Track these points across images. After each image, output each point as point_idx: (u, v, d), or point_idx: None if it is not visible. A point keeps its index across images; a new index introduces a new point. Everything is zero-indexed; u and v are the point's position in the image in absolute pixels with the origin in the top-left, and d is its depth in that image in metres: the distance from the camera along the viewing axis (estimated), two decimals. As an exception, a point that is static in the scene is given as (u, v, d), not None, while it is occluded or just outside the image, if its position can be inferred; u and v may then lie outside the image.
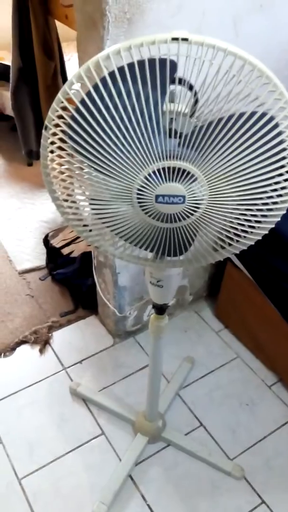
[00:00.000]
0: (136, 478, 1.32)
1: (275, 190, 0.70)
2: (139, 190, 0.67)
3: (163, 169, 0.65)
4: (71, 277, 1.85)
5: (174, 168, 0.65)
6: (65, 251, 1.95)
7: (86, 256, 1.83)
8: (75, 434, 1.41)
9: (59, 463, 1.35)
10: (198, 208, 0.69)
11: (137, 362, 1.62)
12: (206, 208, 0.69)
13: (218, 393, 1.53)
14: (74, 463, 1.35)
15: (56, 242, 1.99)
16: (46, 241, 2.03)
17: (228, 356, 1.65)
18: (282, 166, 0.67)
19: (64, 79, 2.04)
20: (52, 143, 0.67)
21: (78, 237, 1.99)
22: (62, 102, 0.64)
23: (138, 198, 0.68)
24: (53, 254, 1.97)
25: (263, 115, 0.61)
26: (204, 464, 1.35)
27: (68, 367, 1.60)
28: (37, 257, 2.03)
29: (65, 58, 2.10)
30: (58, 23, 1.89)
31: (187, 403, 1.50)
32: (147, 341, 1.68)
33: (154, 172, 0.65)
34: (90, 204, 0.73)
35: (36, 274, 1.96)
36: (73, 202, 0.74)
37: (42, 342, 1.67)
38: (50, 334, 1.70)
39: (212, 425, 1.45)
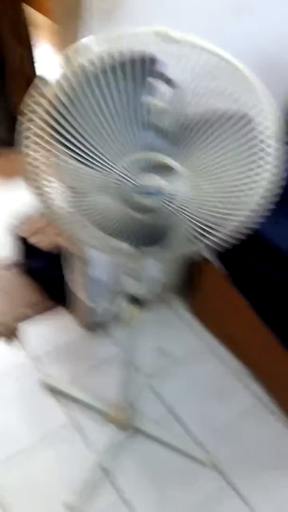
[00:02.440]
0: (108, 468, 1.33)
1: (246, 184, 0.71)
2: (117, 180, 0.67)
3: (142, 160, 0.65)
4: (41, 269, 1.82)
5: (152, 160, 0.65)
6: (32, 241, 1.91)
7: (56, 248, 1.81)
8: (44, 426, 1.40)
9: (29, 456, 1.33)
10: (175, 199, 0.69)
11: (108, 354, 1.62)
12: (182, 199, 0.70)
13: (190, 384, 1.56)
14: (44, 456, 1.34)
15: (23, 233, 1.95)
16: (14, 231, 1.99)
17: (200, 349, 1.68)
18: (253, 161, 0.68)
19: (32, 64, 1.99)
20: (29, 130, 0.66)
21: (45, 227, 1.96)
22: (40, 88, 0.62)
23: (116, 188, 0.68)
24: (21, 245, 1.93)
25: (244, 115, 0.62)
26: (175, 453, 1.37)
27: (37, 359, 1.58)
28: (5, 248, 1.99)
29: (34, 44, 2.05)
30: (30, 10, 1.84)
31: (159, 394, 1.52)
32: (118, 333, 1.68)
33: (133, 163, 0.65)
34: (68, 194, 0.72)
35: (3, 265, 1.92)
36: (51, 192, 0.73)
37: (10, 334, 1.64)
38: (18, 326, 1.68)
39: (183, 415, 1.47)
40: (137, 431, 1.41)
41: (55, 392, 1.49)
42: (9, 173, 2.25)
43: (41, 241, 1.89)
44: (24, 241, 1.92)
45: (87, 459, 1.32)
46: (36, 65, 2.01)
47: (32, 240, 1.91)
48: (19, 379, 1.52)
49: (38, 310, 1.75)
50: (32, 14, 1.87)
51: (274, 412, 1.50)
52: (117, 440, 1.38)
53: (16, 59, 1.85)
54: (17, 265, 1.91)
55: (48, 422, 1.41)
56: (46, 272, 1.80)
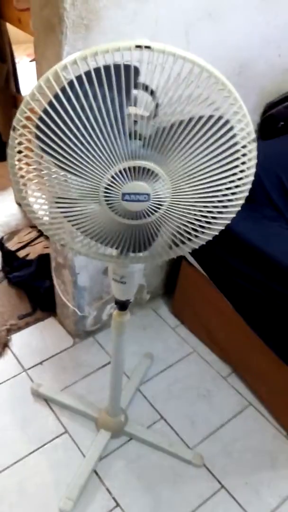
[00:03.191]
0: (100, 472, 1.35)
1: (230, 188, 0.76)
2: (106, 188, 0.71)
3: (129, 168, 0.69)
4: (28, 280, 1.84)
5: (139, 168, 0.69)
6: (20, 254, 1.94)
7: (43, 259, 1.83)
8: (38, 434, 1.42)
9: (23, 463, 1.35)
10: (161, 205, 0.74)
11: (97, 361, 1.64)
12: (168, 205, 0.74)
13: (177, 386, 1.59)
14: (38, 463, 1.35)
15: (11, 245, 1.98)
16: (0, 244, 2.01)
17: (185, 350, 1.71)
18: (236, 166, 0.73)
19: (16, 82, 2.04)
20: (20, 143, 0.70)
21: (33, 240, 1.99)
22: (30, 104, 0.66)
23: (105, 197, 0.72)
24: (8, 257, 1.95)
25: (219, 118, 0.66)
26: (165, 455, 1.40)
27: (29, 368, 1.60)
28: (-8, 260, 2.00)
29: (16, 61, 2.10)
30: (9, 26, 1.89)
31: (148, 398, 1.55)
32: (107, 340, 1.71)
33: (120, 171, 0.69)
34: (57, 203, 0.76)
35: (-9, 278, 1.93)
36: (40, 201, 0.77)
37: (1, 345, 1.66)
38: (9, 337, 1.69)
39: (172, 417, 1.50)
40: (129, 435, 1.43)
41: (47, 400, 1.51)
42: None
43: (30, 254, 1.92)
44: (11, 253, 1.94)
45: (80, 464, 1.33)
46: (19, 81, 2.05)
47: (21, 253, 1.93)
48: (11, 389, 1.53)
49: (28, 321, 1.77)
50: (12, 32, 1.91)
51: (261, 411, 1.54)
52: (109, 445, 1.40)
53: (1, 78, 1.89)
54: (5, 277, 1.93)
55: (41, 430, 1.43)
56: (34, 283, 1.83)
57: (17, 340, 1.69)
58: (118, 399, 1.37)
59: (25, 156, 0.72)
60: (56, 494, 1.28)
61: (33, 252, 1.92)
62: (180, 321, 1.82)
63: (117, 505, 1.28)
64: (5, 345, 1.67)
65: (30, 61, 2.68)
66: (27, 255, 1.92)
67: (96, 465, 1.35)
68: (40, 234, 2.00)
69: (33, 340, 1.70)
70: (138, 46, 0.61)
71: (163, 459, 1.39)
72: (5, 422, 1.44)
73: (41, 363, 1.62)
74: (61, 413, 1.48)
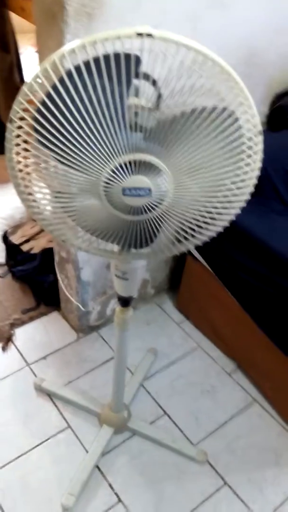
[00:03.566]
0: (103, 468, 1.34)
1: (235, 182, 0.73)
2: (105, 183, 0.69)
3: (129, 162, 0.67)
4: (32, 274, 1.83)
5: (140, 161, 0.67)
6: (24, 247, 1.92)
7: (47, 253, 1.82)
8: (40, 429, 1.41)
9: (26, 458, 1.34)
10: (163, 200, 0.71)
11: (101, 356, 1.63)
12: (170, 200, 0.72)
13: (181, 382, 1.57)
14: (41, 458, 1.35)
15: (15, 239, 1.96)
16: (4, 238, 2.00)
17: (189, 346, 1.70)
18: (241, 160, 0.70)
19: (20, 72, 2.01)
20: (18, 136, 0.68)
21: (37, 234, 1.98)
22: (27, 95, 0.64)
23: (105, 191, 0.70)
24: (12, 251, 1.94)
25: (224, 109, 0.64)
26: (169, 451, 1.39)
27: (32, 363, 1.59)
28: (-4, 254, 1.99)
29: (20, 50, 2.06)
30: (13, 15, 1.86)
31: (151, 393, 1.54)
32: (111, 335, 1.70)
33: (120, 165, 0.67)
34: (57, 197, 0.74)
35: (-5, 271, 1.92)
36: (39, 195, 0.75)
37: (5, 339, 1.65)
38: (12, 331, 1.68)
39: (175, 413, 1.49)
40: (132, 431, 1.42)
41: (50, 395, 1.50)
42: (1, 179, 2.26)
43: (33, 248, 1.90)
44: (15, 247, 1.93)
45: (83, 460, 1.33)
46: (24, 71, 2.02)
47: (25, 247, 1.92)
48: (15, 384, 1.52)
49: (32, 315, 1.76)
50: (16, 21, 1.88)
51: (265, 407, 1.52)
52: (112, 441, 1.40)
53: (4, 68, 1.86)
54: (9, 271, 1.92)
55: (44, 425, 1.42)
56: (38, 278, 1.81)
57: (21, 334, 1.68)
58: (121, 394, 1.35)
59: (24, 149, 0.69)
60: (59, 489, 1.28)
61: (37, 246, 1.90)
62: (184, 316, 1.80)
63: (119, 500, 1.28)
64: (9, 339, 1.66)
65: (36, 51, 2.66)
66: (31, 249, 1.90)
67: (99, 461, 1.34)
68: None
69: (36, 335, 1.69)
70: (139, 34, 0.59)
71: (166, 455, 1.38)
72: (8, 417, 1.44)
73: (44, 357, 1.62)
74: (64, 408, 1.47)
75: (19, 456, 1.35)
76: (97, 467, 1.34)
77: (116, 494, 1.29)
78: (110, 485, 1.31)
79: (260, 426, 1.47)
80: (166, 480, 1.33)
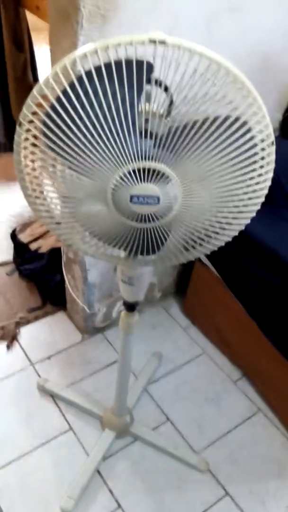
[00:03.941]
0: (103, 472, 1.33)
1: (246, 193, 0.72)
2: (113, 189, 0.68)
3: (138, 169, 0.65)
4: (39, 273, 1.83)
5: (149, 169, 0.65)
6: (32, 246, 1.92)
7: (55, 252, 1.82)
8: (42, 430, 1.40)
9: (26, 459, 1.34)
10: (172, 208, 0.70)
11: (106, 358, 1.62)
12: (179, 209, 0.71)
13: (185, 388, 1.56)
14: (41, 459, 1.34)
15: (23, 237, 1.96)
16: (13, 235, 2.00)
17: (194, 352, 1.68)
18: (254, 170, 0.69)
19: (34, 71, 2.00)
20: (26, 139, 0.67)
21: (46, 233, 1.97)
22: (37, 98, 0.63)
23: (113, 198, 0.68)
24: (20, 249, 1.94)
25: (237, 119, 0.62)
26: (170, 458, 1.37)
27: (36, 363, 1.59)
28: (4, 252, 2.00)
29: (35, 48, 2.06)
30: (28, 14, 1.85)
31: (155, 399, 1.52)
32: (116, 337, 1.69)
33: (129, 172, 0.66)
34: (64, 202, 0.73)
35: (3, 269, 1.93)
36: (46, 199, 0.74)
37: (10, 338, 1.65)
38: (17, 330, 1.68)
39: (178, 419, 1.47)
40: (134, 436, 1.41)
41: (53, 396, 1.49)
42: (10, 178, 2.26)
43: (42, 247, 1.90)
44: (23, 246, 1.93)
45: (83, 463, 1.32)
46: (38, 71, 2.02)
47: (33, 246, 1.92)
48: (18, 383, 1.52)
49: (38, 314, 1.76)
50: (32, 19, 1.87)
51: (270, 417, 1.50)
52: (113, 445, 1.38)
53: (18, 67, 1.86)
54: (16, 269, 1.92)
55: (46, 427, 1.41)
56: (45, 277, 1.81)
57: (26, 333, 1.68)
58: (124, 398, 1.34)
59: (32, 152, 0.68)
60: (58, 492, 1.27)
61: (45, 245, 1.90)
62: (191, 321, 1.78)
63: (119, 506, 1.26)
64: (14, 338, 1.66)
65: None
66: (39, 247, 1.90)
67: (100, 465, 1.33)
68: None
69: (41, 334, 1.69)
70: (152, 41, 0.57)
71: (168, 462, 1.37)
72: (10, 416, 1.43)
73: (48, 357, 1.61)
74: (66, 410, 1.46)
75: (19, 457, 1.34)
76: (98, 471, 1.33)
77: (115, 500, 1.28)
78: (110, 490, 1.30)
79: (263, 436, 1.45)
80: (167, 487, 1.31)
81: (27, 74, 1.93)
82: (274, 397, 1.51)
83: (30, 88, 2.04)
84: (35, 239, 1.94)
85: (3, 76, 1.92)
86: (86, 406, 1.45)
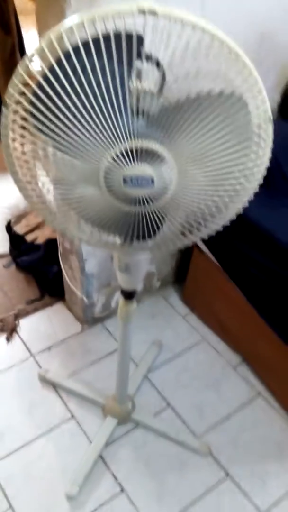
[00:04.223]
0: (107, 458, 1.33)
1: (242, 172, 0.69)
2: (106, 171, 0.65)
3: (131, 149, 0.63)
4: (37, 264, 1.81)
5: (142, 149, 0.63)
6: (28, 237, 1.90)
7: (51, 243, 1.79)
8: (45, 419, 1.40)
9: (30, 448, 1.34)
10: (166, 190, 0.68)
11: (106, 348, 1.61)
12: (174, 190, 0.68)
13: (185, 375, 1.55)
14: (45, 447, 1.34)
15: (19, 229, 1.94)
16: (8, 227, 1.97)
17: (194, 339, 1.67)
18: (249, 148, 0.67)
19: (23, 54, 1.96)
20: (14, 121, 0.64)
21: (41, 223, 1.95)
22: (23, 76, 0.61)
23: (105, 180, 0.66)
24: (16, 241, 1.92)
25: (232, 94, 0.60)
26: (172, 443, 1.37)
27: (36, 354, 1.58)
28: (1, 245, 1.97)
29: (23, 32, 2.01)
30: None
31: (156, 386, 1.52)
32: (115, 327, 1.68)
33: (121, 153, 0.64)
34: (55, 186, 0.71)
35: (0, 263, 1.91)
36: (37, 184, 0.72)
37: (9, 330, 1.64)
38: (16, 322, 1.67)
39: (179, 405, 1.47)
40: (135, 422, 1.41)
41: (55, 386, 1.49)
42: (4, 168, 2.23)
43: (38, 238, 1.88)
44: (19, 237, 1.91)
45: (87, 450, 1.32)
46: (26, 53, 1.98)
47: (29, 237, 1.90)
48: (19, 374, 1.52)
49: (37, 306, 1.74)
50: (19, 2, 1.82)
51: (270, 401, 1.50)
52: (115, 432, 1.39)
53: (5, 50, 1.81)
54: (14, 261, 1.90)
55: (48, 416, 1.41)
56: (43, 268, 1.79)
57: (25, 325, 1.67)
58: (125, 386, 1.34)
59: (21, 135, 0.66)
60: (62, 479, 1.27)
61: (41, 236, 1.88)
62: (190, 309, 1.77)
63: (123, 490, 1.27)
64: (13, 330, 1.65)
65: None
66: (35, 239, 1.88)
67: (102, 451, 1.34)
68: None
69: (41, 326, 1.68)
70: (141, 10, 0.55)
71: (170, 447, 1.37)
72: (13, 407, 1.43)
73: (49, 348, 1.60)
74: (68, 399, 1.46)
75: (23, 446, 1.34)
76: (101, 457, 1.33)
77: (119, 484, 1.28)
78: (114, 475, 1.30)
79: (264, 420, 1.45)
80: (169, 471, 1.32)
81: (16, 58, 1.88)
82: (274, 381, 1.50)
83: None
84: (31, 230, 1.92)
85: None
86: (88, 394, 1.45)
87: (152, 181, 0.65)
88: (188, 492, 1.28)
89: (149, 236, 0.78)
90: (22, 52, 1.94)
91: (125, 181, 0.65)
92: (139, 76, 0.63)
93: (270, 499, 1.28)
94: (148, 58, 0.61)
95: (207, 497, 1.27)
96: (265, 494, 1.29)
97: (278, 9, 1.30)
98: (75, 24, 0.57)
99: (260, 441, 1.40)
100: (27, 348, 1.60)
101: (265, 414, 1.47)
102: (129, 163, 0.64)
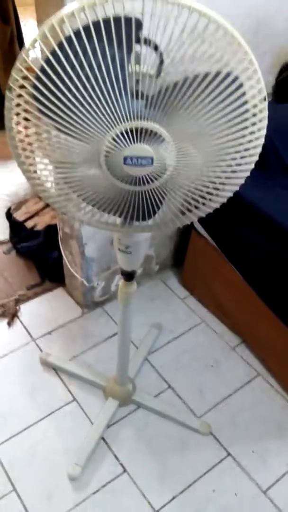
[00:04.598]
0: (108, 439, 1.36)
1: (239, 151, 0.72)
2: (107, 152, 0.68)
3: (131, 130, 0.65)
4: (36, 250, 1.84)
5: (141, 129, 0.65)
6: (28, 224, 1.92)
7: (51, 229, 1.82)
8: (47, 402, 1.43)
9: (33, 430, 1.37)
10: (166, 169, 0.70)
11: (106, 331, 1.64)
12: (173, 170, 0.71)
13: (185, 357, 1.59)
14: (47, 430, 1.37)
15: (19, 215, 1.96)
16: (8, 214, 1.99)
17: (193, 321, 1.70)
18: (245, 128, 0.69)
19: (21, 44, 1.96)
20: (18, 105, 0.66)
21: (41, 210, 1.97)
22: (26, 62, 0.63)
23: (106, 160, 0.68)
24: (16, 227, 1.94)
25: (228, 75, 0.62)
26: (173, 423, 1.41)
27: (37, 338, 1.61)
28: (0, 231, 2.00)
29: (21, 23, 2.02)
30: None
31: (156, 367, 1.55)
32: (115, 311, 1.71)
33: (121, 133, 0.66)
34: (57, 168, 0.73)
35: (0, 248, 1.93)
36: (40, 167, 0.74)
37: (10, 315, 1.66)
38: (17, 307, 1.70)
39: (179, 386, 1.50)
40: (137, 404, 1.44)
41: (56, 369, 1.52)
42: (4, 157, 2.24)
43: (37, 225, 1.90)
44: (19, 224, 1.93)
45: (88, 432, 1.35)
46: (25, 43, 1.98)
47: (29, 223, 1.91)
48: (21, 358, 1.54)
49: (37, 291, 1.77)
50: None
51: (269, 381, 1.53)
52: (117, 414, 1.42)
53: (4, 40, 1.82)
54: (14, 248, 1.92)
55: (50, 398, 1.44)
56: (43, 254, 1.82)
57: (26, 310, 1.70)
58: (126, 368, 1.37)
59: (24, 118, 0.68)
60: (65, 460, 1.31)
61: (41, 222, 1.90)
62: (189, 292, 1.80)
63: (125, 470, 1.30)
64: (14, 315, 1.67)
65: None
66: (35, 225, 1.90)
67: (104, 432, 1.37)
68: (48, 204, 1.97)
69: (41, 310, 1.70)
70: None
71: (170, 427, 1.40)
72: (15, 390, 1.46)
73: (49, 333, 1.63)
74: (69, 382, 1.49)
75: (26, 428, 1.37)
76: (103, 438, 1.36)
77: (121, 464, 1.32)
78: (115, 456, 1.33)
79: (263, 400, 1.49)
80: (170, 451, 1.35)
81: (14, 48, 1.89)
82: (273, 362, 1.54)
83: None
84: (31, 217, 1.93)
85: (-10, 52, 1.88)
86: (89, 377, 1.48)
87: (152, 160, 0.68)
88: (190, 472, 1.31)
89: (149, 216, 0.80)
90: (20, 42, 1.94)
91: (125, 160, 0.67)
92: (137, 59, 0.65)
93: (271, 477, 1.31)
94: (147, 41, 0.63)
95: (208, 476, 1.31)
96: (266, 472, 1.32)
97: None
98: (76, 9, 0.59)
99: (260, 420, 1.44)
100: (28, 332, 1.62)
101: (264, 394, 1.50)
102: (129, 143, 0.66)
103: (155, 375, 1.53)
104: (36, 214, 1.94)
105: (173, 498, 1.26)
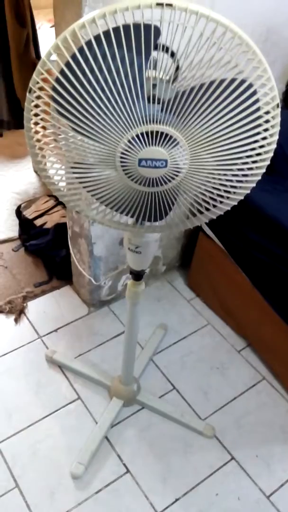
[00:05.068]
0: (112, 439, 1.37)
1: (251, 156, 0.73)
2: (122, 153, 0.69)
3: (146, 133, 0.67)
4: (45, 248, 1.86)
5: (156, 133, 0.67)
6: (37, 222, 1.95)
7: (60, 228, 1.84)
8: (51, 400, 1.45)
9: (37, 427, 1.38)
10: (179, 172, 0.72)
11: (112, 330, 1.66)
12: (186, 172, 0.72)
13: (190, 358, 1.60)
14: (51, 427, 1.39)
15: (28, 214, 1.98)
16: (18, 212, 2.02)
17: (199, 323, 1.71)
18: (258, 133, 0.70)
19: (36, 47, 1.99)
20: (36, 106, 0.68)
21: (50, 209, 1.99)
22: (46, 64, 0.64)
23: (121, 162, 0.70)
24: (25, 225, 1.97)
25: (242, 82, 0.63)
26: (177, 425, 1.41)
27: (44, 335, 1.62)
28: (10, 228, 2.02)
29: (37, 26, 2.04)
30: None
31: (161, 368, 1.56)
32: (122, 310, 1.72)
33: (137, 136, 0.67)
34: (73, 168, 0.75)
35: (9, 245, 1.95)
36: (56, 166, 0.76)
37: (17, 312, 1.68)
38: (25, 304, 1.72)
39: (184, 388, 1.51)
40: (141, 404, 1.45)
41: (61, 367, 1.53)
42: (15, 155, 2.26)
43: (47, 223, 1.92)
44: (29, 222, 1.95)
45: (92, 431, 1.36)
46: (40, 47, 2.01)
47: (38, 222, 1.94)
48: (27, 355, 1.56)
49: (44, 289, 1.79)
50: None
51: (274, 385, 1.54)
52: (121, 413, 1.42)
53: (20, 42, 1.84)
54: (22, 245, 1.94)
55: (55, 396, 1.46)
56: (51, 252, 1.84)
57: (33, 307, 1.72)
58: (131, 368, 1.38)
59: (42, 119, 0.70)
60: (68, 459, 1.32)
61: (50, 220, 1.92)
62: (195, 294, 1.81)
63: (127, 471, 1.31)
64: (21, 312, 1.69)
65: (51, 27, 2.62)
66: (44, 223, 1.92)
67: (108, 432, 1.38)
68: (58, 203, 2.00)
69: (48, 308, 1.72)
70: (159, 4, 0.58)
71: (174, 429, 1.41)
72: (20, 387, 1.47)
73: (56, 330, 1.65)
74: (74, 380, 1.50)
75: (30, 425, 1.38)
76: (106, 438, 1.37)
77: (124, 464, 1.32)
78: (119, 456, 1.34)
79: (268, 403, 1.49)
80: (174, 453, 1.36)
81: (30, 50, 1.91)
82: (278, 365, 1.54)
83: (33, 65, 2.02)
84: (40, 215, 1.96)
85: (6, 54, 1.90)
86: (94, 376, 1.49)
87: (166, 163, 0.69)
88: (193, 474, 1.31)
89: (161, 217, 0.82)
90: (36, 44, 1.97)
91: (140, 162, 0.69)
92: (155, 64, 0.66)
93: (275, 482, 1.31)
94: (164, 48, 0.64)
95: (211, 479, 1.31)
96: (269, 476, 1.32)
97: (283, 6, 1.33)
98: (97, 15, 0.60)
99: (265, 424, 1.44)
100: (35, 329, 1.64)
101: (269, 398, 1.50)
102: (144, 146, 0.68)
103: (160, 376, 1.54)
104: (45, 212, 1.96)
105: (176, 500, 1.27)
